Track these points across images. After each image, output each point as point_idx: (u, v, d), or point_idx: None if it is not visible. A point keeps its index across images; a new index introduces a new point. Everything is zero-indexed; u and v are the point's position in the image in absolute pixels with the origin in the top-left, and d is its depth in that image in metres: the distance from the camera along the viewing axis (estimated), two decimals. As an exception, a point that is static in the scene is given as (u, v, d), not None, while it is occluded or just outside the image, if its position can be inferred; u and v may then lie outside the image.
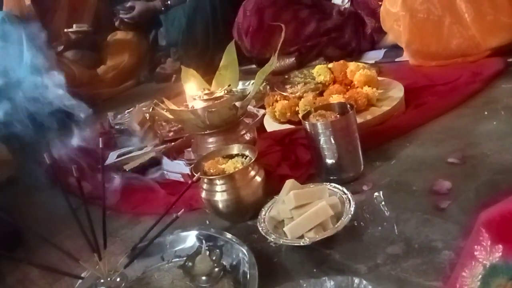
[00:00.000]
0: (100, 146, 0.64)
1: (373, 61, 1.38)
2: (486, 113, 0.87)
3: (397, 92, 0.99)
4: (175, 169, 0.97)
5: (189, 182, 0.66)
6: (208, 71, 0.99)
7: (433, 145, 0.82)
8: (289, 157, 0.88)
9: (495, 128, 0.80)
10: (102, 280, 0.60)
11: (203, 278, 0.61)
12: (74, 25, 1.99)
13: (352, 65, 1.06)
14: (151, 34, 2.18)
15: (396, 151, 0.83)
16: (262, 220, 0.69)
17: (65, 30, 1.98)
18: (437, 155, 0.77)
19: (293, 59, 1.53)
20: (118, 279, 0.60)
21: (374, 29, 1.45)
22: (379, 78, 1.06)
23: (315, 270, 0.59)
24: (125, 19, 2.04)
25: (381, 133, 0.89)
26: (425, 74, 1.13)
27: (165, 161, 1.00)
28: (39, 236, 0.66)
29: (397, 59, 1.34)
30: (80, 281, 0.64)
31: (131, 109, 1.32)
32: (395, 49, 1.36)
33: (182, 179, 0.96)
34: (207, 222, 0.79)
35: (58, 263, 0.66)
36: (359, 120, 0.88)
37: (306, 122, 0.76)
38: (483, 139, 0.77)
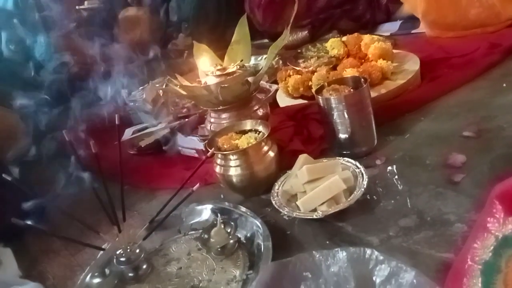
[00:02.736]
0: (117, 122, 0.65)
1: (388, 33, 1.35)
2: (504, 85, 0.85)
3: (413, 65, 0.97)
4: (190, 145, 0.98)
5: (204, 157, 0.67)
6: (220, 46, 0.98)
7: (448, 119, 0.81)
8: (301, 132, 0.88)
9: (512, 101, 0.79)
10: (122, 252, 0.62)
11: (219, 249, 0.63)
12: (86, 2, 1.98)
13: (366, 38, 1.04)
14: (162, 10, 2.15)
15: (410, 125, 0.82)
16: (276, 194, 0.70)
17: (77, 7, 1.97)
18: (451, 129, 0.76)
19: (306, 32, 1.50)
20: (137, 251, 0.63)
21: (389, -1, 1.41)
22: (394, 51, 1.04)
23: (327, 242, 0.61)
24: None
25: (395, 107, 0.88)
26: (442, 46, 1.10)
27: (180, 137, 1.01)
28: (62, 210, 0.69)
29: (413, 31, 1.31)
30: (101, 252, 0.67)
31: (145, 86, 1.32)
32: (411, 20, 1.32)
33: (196, 155, 0.97)
34: (222, 196, 0.81)
35: (79, 236, 0.69)
36: (373, 94, 0.87)
37: (319, 97, 0.76)
38: (500, 112, 0.76)
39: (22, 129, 1.21)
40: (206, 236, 0.66)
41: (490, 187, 0.43)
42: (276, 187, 0.71)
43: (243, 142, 0.74)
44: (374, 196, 0.66)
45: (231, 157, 0.74)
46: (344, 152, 0.77)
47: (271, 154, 0.75)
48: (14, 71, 1.43)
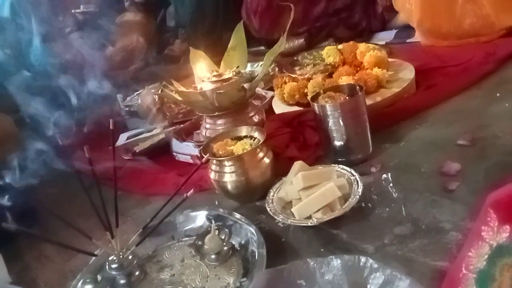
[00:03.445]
0: (111, 127, 0.65)
1: (383, 42, 1.36)
2: (498, 94, 0.86)
3: (408, 73, 0.98)
4: (185, 150, 0.98)
5: (198, 163, 0.67)
6: (216, 52, 0.98)
7: (443, 127, 0.81)
8: (297, 139, 0.88)
9: (507, 109, 0.79)
10: (114, 258, 0.62)
11: (213, 256, 0.63)
12: (82, 6, 1.98)
13: (362, 46, 1.05)
14: (159, 15, 2.16)
15: (405, 133, 0.83)
16: (271, 200, 0.70)
17: (73, 11, 1.97)
18: (447, 137, 0.77)
19: (302, 40, 1.51)
20: (130, 257, 0.62)
21: (385, 8, 1.42)
22: (390, 60, 1.05)
23: (322, 249, 0.60)
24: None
25: (391, 115, 0.88)
26: (437, 55, 1.11)
27: (175, 142, 1.01)
28: (54, 214, 0.68)
29: (408, 40, 1.32)
30: (93, 258, 0.66)
31: (140, 91, 1.32)
32: (407, 29, 1.33)
33: (191, 161, 0.97)
34: (216, 202, 0.80)
35: (72, 241, 0.68)
36: (369, 102, 0.87)
37: (315, 104, 0.76)
38: (494, 120, 0.77)
39: (16, 133, 1.20)
40: (200, 242, 0.65)
41: (484, 196, 0.43)
42: (271, 194, 0.71)
43: (238, 148, 0.74)
44: (369, 204, 0.66)
45: (226, 163, 0.74)
46: (340, 159, 0.77)
47: (266, 160, 0.75)
48: (9, 76, 1.42)
